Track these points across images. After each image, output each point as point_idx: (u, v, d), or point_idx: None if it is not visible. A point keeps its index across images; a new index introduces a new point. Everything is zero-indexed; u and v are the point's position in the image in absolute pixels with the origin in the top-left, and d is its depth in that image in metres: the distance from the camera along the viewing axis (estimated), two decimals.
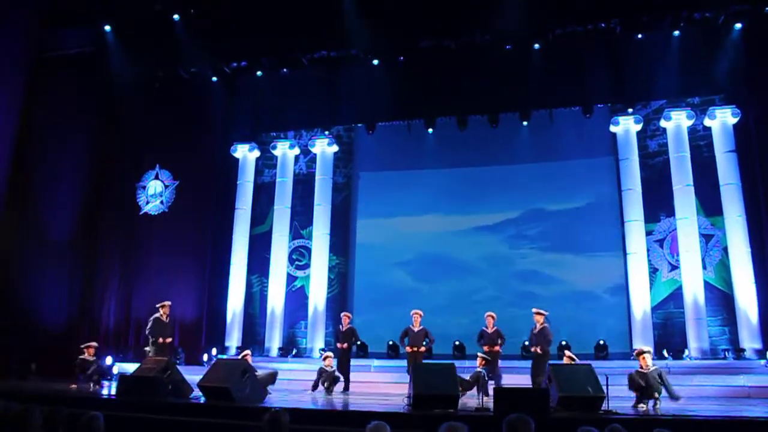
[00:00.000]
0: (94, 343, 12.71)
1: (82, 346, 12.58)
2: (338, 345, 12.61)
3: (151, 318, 12.25)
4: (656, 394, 8.77)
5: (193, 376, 10.06)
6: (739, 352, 13.31)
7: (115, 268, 16.51)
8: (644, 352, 9.30)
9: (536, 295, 15.59)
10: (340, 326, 12.82)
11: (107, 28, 16.04)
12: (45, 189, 16.14)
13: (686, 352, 13.64)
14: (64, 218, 16.12)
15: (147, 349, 12.24)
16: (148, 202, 16.90)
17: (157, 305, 12.54)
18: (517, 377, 11.44)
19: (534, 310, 11.31)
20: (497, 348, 11.85)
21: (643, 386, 8.80)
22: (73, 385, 11.57)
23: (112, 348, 15.55)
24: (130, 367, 12.17)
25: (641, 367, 9.12)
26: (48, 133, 16.26)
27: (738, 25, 13.93)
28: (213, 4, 15.43)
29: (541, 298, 15.55)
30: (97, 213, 16.54)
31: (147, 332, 12.17)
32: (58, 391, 10.45)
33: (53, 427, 4.01)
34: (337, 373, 11.76)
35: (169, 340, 12.34)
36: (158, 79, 16.60)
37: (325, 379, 11.57)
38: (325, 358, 12.00)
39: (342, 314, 13.20)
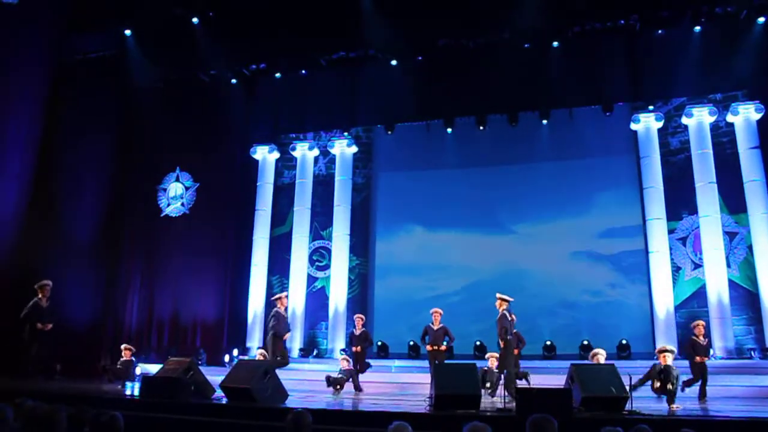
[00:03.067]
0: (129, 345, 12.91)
1: (122, 346, 12.82)
2: (353, 348, 12.54)
3: (273, 312, 11.56)
4: (670, 386, 8.76)
5: (215, 376, 10.12)
6: (765, 351, 13.13)
7: (137, 269, 16.69)
8: (667, 351, 9.26)
9: (555, 295, 15.52)
10: (354, 329, 12.77)
11: (127, 32, 16.19)
12: (68, 191, 16.31)
13: (711, 351, 13.46)
14: (87, 220, 16.27)
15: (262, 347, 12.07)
16: (168, 205, 17.05)
17: (273, 298, 11.95)
18: (538, 377, 11.34)
19: (497, 294, 10.67)
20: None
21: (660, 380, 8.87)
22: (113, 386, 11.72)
23: (135, 349, 15.69)
24: (153, 368, 12.27)
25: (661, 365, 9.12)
26: (70, 137, 16.43)
27: (761, 19, 13.74)
28: (231, 7, 15.51)
29: (561, 297, 15.49)
30: (119, 215, 16.72)
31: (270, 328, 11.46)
32: (83, 392, 10.54)
33: (78, 428, 4.06)
34: (339, 375, 11.79)
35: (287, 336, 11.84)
36: (178, 82, 16.74)
37: (335, 382, 11.60)
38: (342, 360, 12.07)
39: (355, 316, 13.13)
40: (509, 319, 10.40)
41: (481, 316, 15.06)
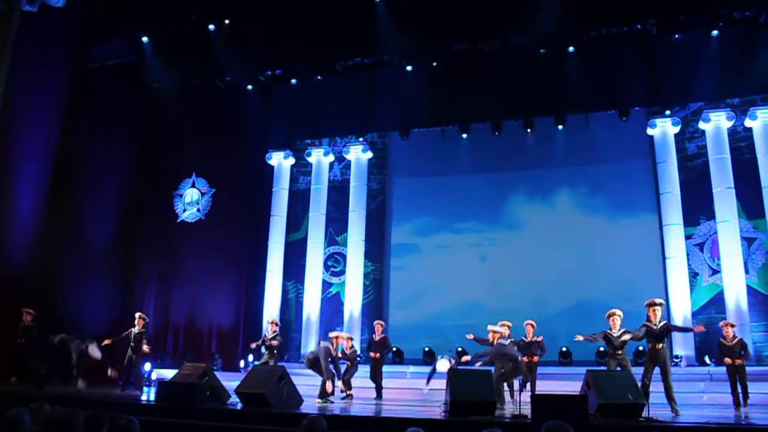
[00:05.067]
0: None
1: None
2: (371, 354, 12.47)
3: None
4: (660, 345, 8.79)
5: (230, 382, 10.15)
6: None
7: (153, 275, 16.80)
8: (656, 305, 9.09)
9: (571, 301, 15.41)
10: (374, 335, 12.72)
11: (145, 39, 16.35)
12: (85, 196, 16.45)
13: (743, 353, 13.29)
14: (104, 225, 16.40)
15: None
16: (185, 210, 17.16)
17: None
18: (553, 383, 11.27)
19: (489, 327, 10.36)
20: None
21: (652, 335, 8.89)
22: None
23: (151, 354, 15.77)
24: (169, 373, 12.32)
25: (649, 320, 9.02)
26: (88, 142, 16.58)
27: None
28: (247, 14, 15.60)
29: (576, 304, 15.38)
30: (135, 221, 16.89)
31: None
32: (100, 396, 10.61)
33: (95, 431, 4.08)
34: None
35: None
36: (194, 88, 16.84)
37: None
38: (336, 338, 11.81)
39: (375, 323, 13.06)
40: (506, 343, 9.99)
41: (496, 320, 14.96)
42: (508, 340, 10.06)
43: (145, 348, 12.20)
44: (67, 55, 16.18)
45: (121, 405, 9.25)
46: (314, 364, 11.10)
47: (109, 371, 13.12)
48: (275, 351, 12.34)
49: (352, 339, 12.47)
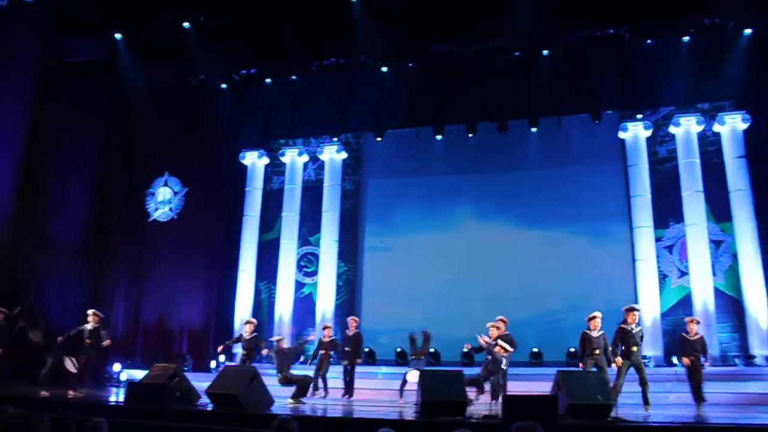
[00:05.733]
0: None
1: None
2: (345, 349, 12.49)
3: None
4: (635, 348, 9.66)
5: (201, 383, 10.08)
6: (749, 358, 13.22)
7: (124, 274, 16.61)
8: (635, 310, 10.15)
9: (541, 302, 15.53)
10: (347, 330, 12.73)
11: (118, 36, 16.13)
12: (55, 195, 16.23)
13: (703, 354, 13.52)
14: (74, 224, 16.19)
15: None
16: (157, 209, 16.99)
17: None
18: (524, 384, 11.32)
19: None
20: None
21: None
22: None
23: (121, 354, 15.60)
24: (139, 374, 12.19)
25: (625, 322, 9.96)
26: (59, 139, 16.36)
27: (748, 31, 13.93)
28: (223, 13, 15.49)
29: (550, 306, 15.51)
30: (106, 219, 16.68)
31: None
32: (67, 398, 10.47)
33: None
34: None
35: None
36: (168, 87, 16.66)
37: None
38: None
39: (349, 318, 13.11)
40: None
41: (467, 322, 15.05)
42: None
43: (106, 342, 11.92)
44: (37, 51, 15.91)
45: (90, 407, 9.14)
46: (285, 379, 11.03)
47: (71, 367, 12.92)
48: (253, 352, 12.29)
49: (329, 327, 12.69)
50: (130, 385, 9.93)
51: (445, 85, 15.57)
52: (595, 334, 9.90)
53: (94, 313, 11.94)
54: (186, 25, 15.60)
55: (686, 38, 14.31)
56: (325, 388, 11.99)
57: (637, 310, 10.15)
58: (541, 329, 15.26)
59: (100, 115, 16.80)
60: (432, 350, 13.18)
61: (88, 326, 11.75)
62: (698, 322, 10.88)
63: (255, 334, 12.39)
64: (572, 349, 13.93)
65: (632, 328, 9.86)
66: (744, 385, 11.68)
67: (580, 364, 10.16)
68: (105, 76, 16.54)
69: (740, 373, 12.61)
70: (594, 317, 10.04)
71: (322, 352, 12.27)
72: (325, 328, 12.78)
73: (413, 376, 11.84)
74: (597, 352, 9.76)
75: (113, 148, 16.95)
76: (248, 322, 12.67)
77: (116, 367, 14.81)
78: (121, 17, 15.83)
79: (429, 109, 15.91)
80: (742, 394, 11.33)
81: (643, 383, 9.57)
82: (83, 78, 16.66)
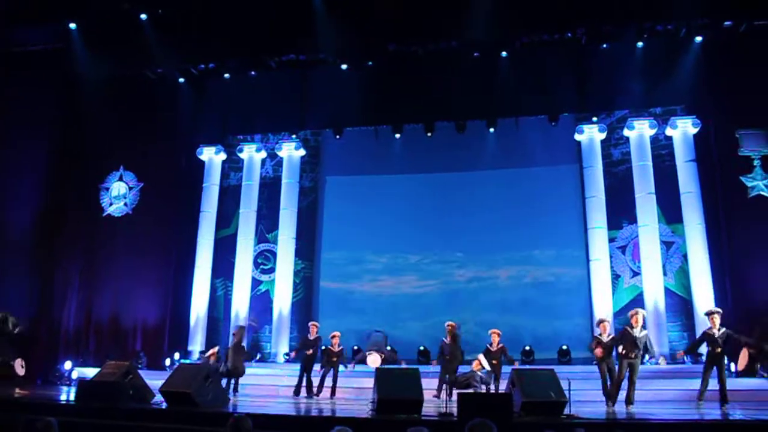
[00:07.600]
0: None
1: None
2: (306, 352, 12.36)
3: None
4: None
5: (155, 381, 9.93)
6: (696, 356, 13.54)
7: (76, 270, 16.22)
8: (603, 321, 10.57)
9: (500, 303, 15.72)
10: (308, 335, 12.61)
11: (72, 25, 15.74)
12: (4, 188, 15.82)
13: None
14: (25, 218, 15.79)
15: None
16: (111, 204, 16.65)
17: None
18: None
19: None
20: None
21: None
22: None
23: (72, 352, 15.28)
24: (90, 372, 11.96)
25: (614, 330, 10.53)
26: (8, 131, 15.94)
27: (698, 38, 14.28)
28: (181, 5, 15.25)
29: (505, 304, 15.70)
30: (59, 214, 16.23)
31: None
32: (15, 397, 10.22)
33: None
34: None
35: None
36: (124, 79, 16.29)
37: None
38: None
39: (310, 324, 12.96)
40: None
41: (424, 321, 15.19)
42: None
43: None
44: None
45: (39, 406, 8.92)
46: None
47: (18, 368, 12.67)
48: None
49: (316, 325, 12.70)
50: (82, 383, 9.76)
51: (404, 84, 15.60)
52: (605, 338, 10.31)
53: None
54: (143, 16, 15.32)
55: (640, 43, 14.59)
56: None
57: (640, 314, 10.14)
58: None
59: (51, 107, 16.35)
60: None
61: None
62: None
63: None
64: (527, 348, 14.22)
65: (635, 332, 9.84)
66: (691, 383, 11.93)
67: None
68: (58, 67, 16.11)
69: (688, 371, 12.90)
70: (603, 321, 10.65)
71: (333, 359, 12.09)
72: (333, 336, 12.38)
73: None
74: (632, 354, 9.80)
75: (66, 141, 16.50)
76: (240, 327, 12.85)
77: (67, 365, 14.49)
78: (75, 5, 15.46)
79: (388, 107, 15.93)
80: (690, 390, 11.59)
81: (630, 383, 9.74)
82: (35, 68, 16.25)
